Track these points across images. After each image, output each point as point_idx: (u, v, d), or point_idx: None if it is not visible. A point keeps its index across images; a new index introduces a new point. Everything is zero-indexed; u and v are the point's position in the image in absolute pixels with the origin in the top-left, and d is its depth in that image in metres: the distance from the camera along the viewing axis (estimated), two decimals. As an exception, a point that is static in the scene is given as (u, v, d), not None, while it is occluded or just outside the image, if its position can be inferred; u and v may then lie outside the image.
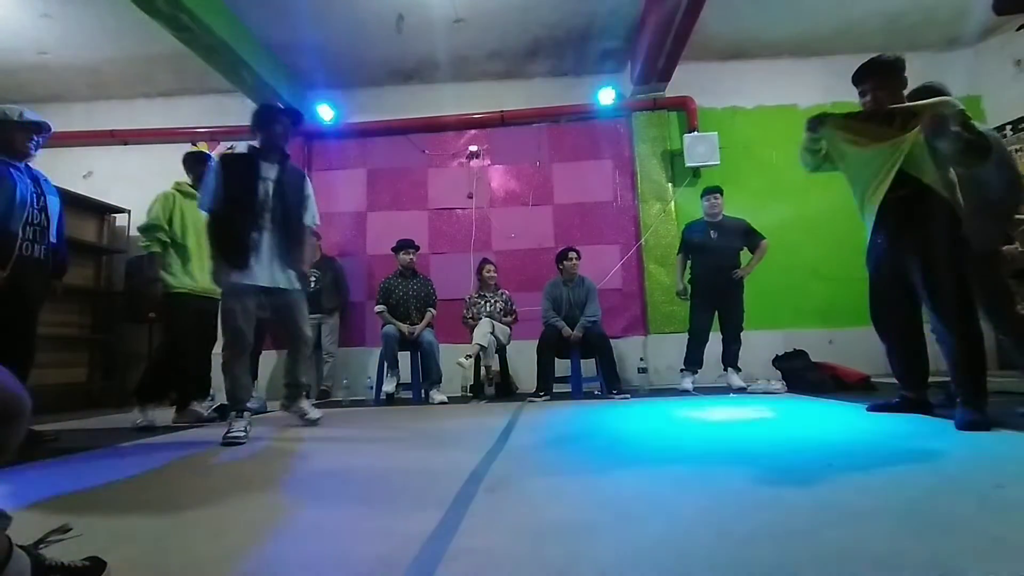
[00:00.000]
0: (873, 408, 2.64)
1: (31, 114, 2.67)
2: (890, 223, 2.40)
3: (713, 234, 4.18)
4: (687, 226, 4.44)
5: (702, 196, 4.33)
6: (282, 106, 2.76)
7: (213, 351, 3.45)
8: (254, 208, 2.56)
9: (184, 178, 3.37)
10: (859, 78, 2.49)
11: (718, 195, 4.24)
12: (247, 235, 2.54)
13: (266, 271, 2.59)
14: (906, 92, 2.48)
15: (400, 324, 4.28)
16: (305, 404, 2.90)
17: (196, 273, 3.18)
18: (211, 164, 2.64)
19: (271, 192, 2.61)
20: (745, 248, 4.21)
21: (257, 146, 2.67)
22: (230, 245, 2.54)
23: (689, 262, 4.30)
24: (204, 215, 2.68)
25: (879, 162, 2.35)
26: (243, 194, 2.55)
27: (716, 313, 4.17)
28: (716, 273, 4.10)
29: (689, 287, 4.26)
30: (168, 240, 3.14)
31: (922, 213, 2.29)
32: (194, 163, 3.35)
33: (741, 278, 4.11)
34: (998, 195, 2.55)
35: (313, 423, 2.87)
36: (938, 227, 2.25)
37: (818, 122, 2.50)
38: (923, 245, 2.29)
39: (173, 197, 3.20)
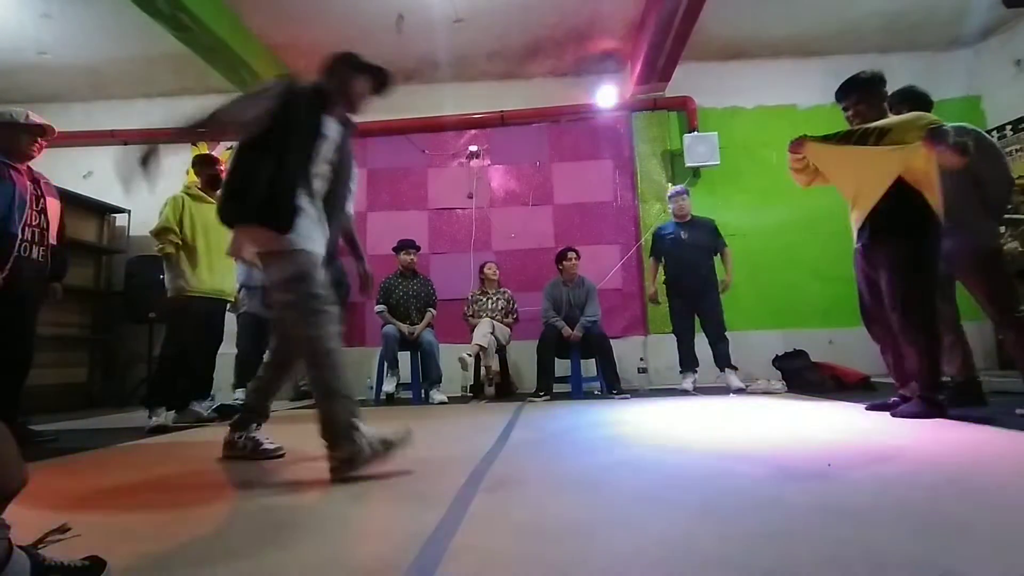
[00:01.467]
0: (872, 408, 2.65)
1: (37, 117, 2.67)
2: (868, 232, 2.50)
3: (684, 234, 4.18)
4: (657, 228, 4.44)
5: (669, 197, 4.34)
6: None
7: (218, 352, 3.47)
8: (308, 161, 1.84)
9: (186, 179, 3.37)
10: (842, 95, 2.62)
11: (685, 195, 4.25)
12: (296, 190, 1.78)
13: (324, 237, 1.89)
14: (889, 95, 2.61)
15: (400, 324, 4.28)
16: (259, 434, 2.05)
17: (204, 275, 3.18)
18: (274, 83, 1.91)
19: (329, 156, 1.92)
20: (714, 250, 4.18)
21: (324, 92, 1.96)
22: (278, 189, 1.75)
23: (662, 265, 4.29)
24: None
25: (870, 171, 2.43)
26: (302, 135, 1.83)
27: (695, 314, 4.15)
28: (690, 273, 4.10)
29: (663, 289, 4.26)
30: (180, 242, 3.14)
31: (896, 228, 2.39)
32: (202, 165, 3.36)
33: (726, 289, 4.09)
34: (995, 194, 2.60)
35: (272, 455, 2.00)
36: (909, 245, 2.37)
37: (799, 143, 2.62)
38: (891, 261, 2.41)
39: (182, 200, 3.20)
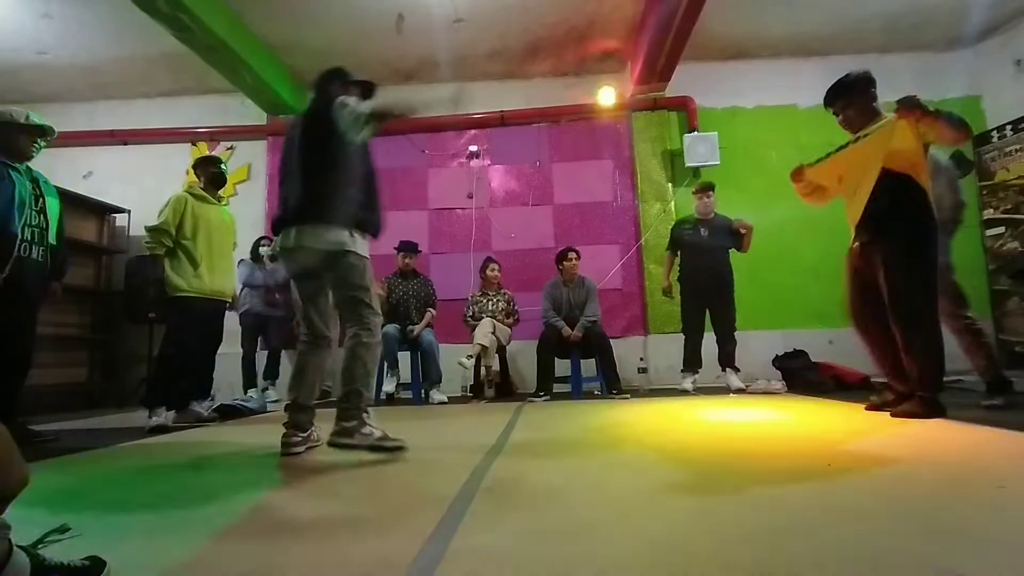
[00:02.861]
0: (872, 408, 2.65)
1: (37, 117, 2.67)
2: (868, 230, 2.52)
3: (704, 232, 4.17)
4: (677, 223, 4.44)
5: (695, 193, 4.33)
6: None
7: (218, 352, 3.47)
8: None
9: (187, 180, 3.37)
10: (829, 100, 2.64)
11: (711, 192, 4.24)
12: None
13: None
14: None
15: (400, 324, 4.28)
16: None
17: (205, 276, 3.17)
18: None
19: None
20: (732, 248, 4.18)
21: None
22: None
23: (677, 260, 4.29)
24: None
25: (858, 167, 2.50)
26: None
27: (708, 312, 4.15)
28: (706, 272, 4.09)
29: (677, 285, 4.25)
30: (171, 244, 3.12)
31: (895, 227, 2.40)
32: (205, 165, 3.36)
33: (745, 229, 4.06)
34: (948, 214, 2.73)
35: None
36: (908, 243, 2.39)
37: (798, 172, 2.75)
38: (890, 260, 2.42)
39: (185, 200, 3.17)
